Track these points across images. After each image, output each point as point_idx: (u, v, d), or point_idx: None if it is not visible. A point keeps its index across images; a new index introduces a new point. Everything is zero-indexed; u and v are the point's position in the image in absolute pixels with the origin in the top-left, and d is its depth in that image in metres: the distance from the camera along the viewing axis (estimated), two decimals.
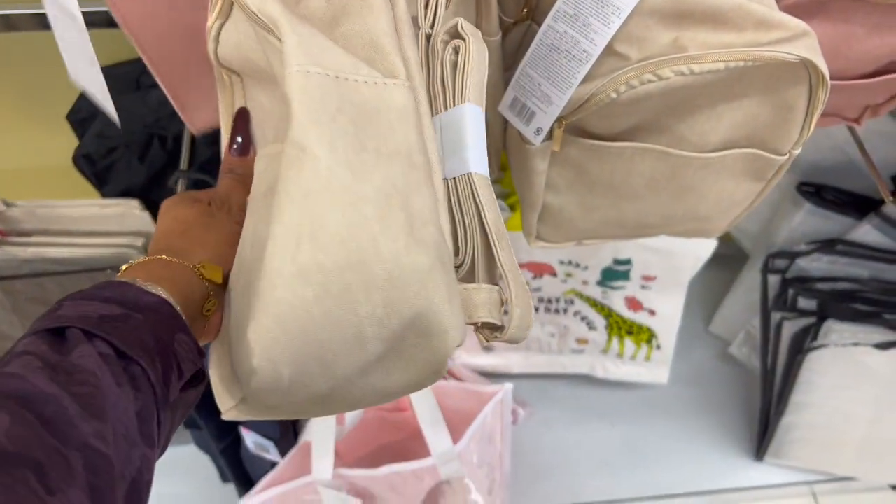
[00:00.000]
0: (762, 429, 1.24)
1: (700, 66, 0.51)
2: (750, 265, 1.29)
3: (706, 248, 1.06)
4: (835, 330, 1.04)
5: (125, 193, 0.93)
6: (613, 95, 0.53)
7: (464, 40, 0.47)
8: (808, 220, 1.13)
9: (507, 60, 0.65)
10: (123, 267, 0.45)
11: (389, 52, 0.43)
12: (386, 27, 0.44)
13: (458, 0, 0.60)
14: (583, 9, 0.52)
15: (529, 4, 0.60)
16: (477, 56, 0.47)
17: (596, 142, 0.59)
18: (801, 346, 1.08)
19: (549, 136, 0.59)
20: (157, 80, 0.59)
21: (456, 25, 0.48)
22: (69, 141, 0.96)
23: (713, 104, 0.56)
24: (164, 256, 0.46)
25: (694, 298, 1.31)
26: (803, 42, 0.52)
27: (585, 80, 0.54)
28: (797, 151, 0.60)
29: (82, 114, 0.92)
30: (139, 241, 0.93)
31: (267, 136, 0.50)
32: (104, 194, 0.95)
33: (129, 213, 0.92)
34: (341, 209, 0.38)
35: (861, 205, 1.10)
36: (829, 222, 1.12)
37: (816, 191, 1.13)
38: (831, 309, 1.05)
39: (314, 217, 0.38)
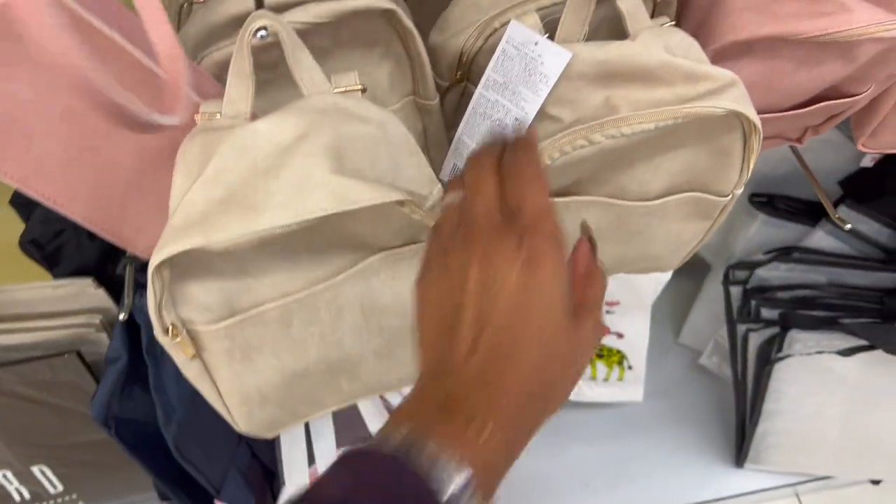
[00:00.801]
0: (739, 437, 1.25)
1: (630, 129, 0.51)
2: (712, 276, 1.30)
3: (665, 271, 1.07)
4: (798, 339, 1.06)
5: (78, 272, 0.91)
6: (548, 162, 0.53)
7: None
8: (764, 230, 1.15)
9: (448, 119, 0.65)
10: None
11: None
12: None
13: (393, 69, 0.60)
14: (512, 77, 0.53)
15: (462, 67, 0.60)
16: None
17: None
18: (768, 356, 1.09)
19: None
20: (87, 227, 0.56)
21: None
22: (16, 224, 0.94)
23: (650, 157, 0.57)
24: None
25: (661, 311, 1.32)
26: (731, 93, 0.53)
27: None
28: (739, 191, 0.61)
29: (26, 198, 0.91)
30: (96, 319, 0.91)
31: None
32: (55, 275, 0.93)
33: (83, 291, 0.91)
34: None
35: (813, 211, 1.12)
36: (784, 231, 1.14)
37: (769, 201, 1.14)
38: (792, 318, 1.06)
39: None
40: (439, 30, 0.61)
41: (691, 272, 1.36)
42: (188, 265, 0.46)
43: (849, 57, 0.59)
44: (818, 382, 1.09)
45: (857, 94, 0.67)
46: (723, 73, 0.53)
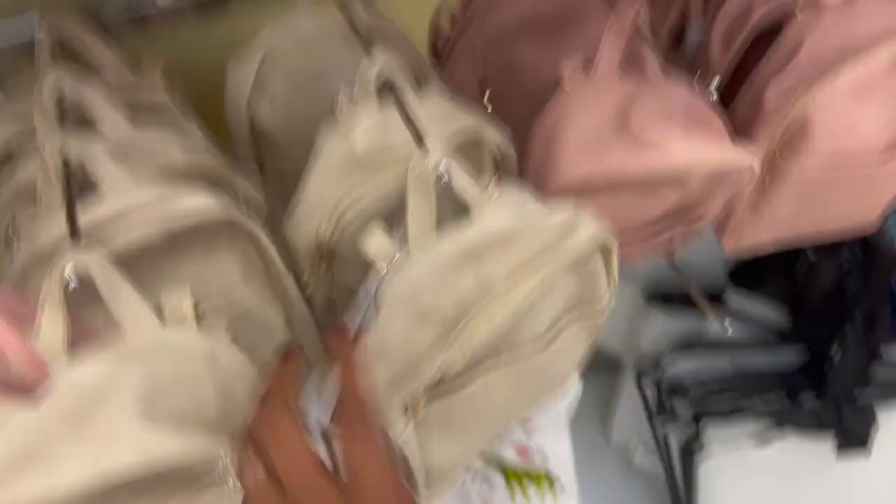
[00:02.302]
0: None
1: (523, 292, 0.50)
2: (627, 374, 1.30)
3: (573, 386, 1.05)
4: (716, 436, 1.05)
5: None
6: (462, 360, 0.51)
7: None
8: (665, 323, 1.15)
9: (321, 314, 0.64)
10: None
11: None
12: None
13: (241, 260, 0.58)
14: None
15: (324, 259, 0.59)
16: None
17: (451, 397, 0.56)
18: (692, 454, 1.08)
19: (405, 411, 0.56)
20: None
21: None
22: None
23: (530, 307, 0.56)
24: None
25: (585, 415, 1.29)
26: (584, 217, 0.54)
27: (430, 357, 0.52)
28: (613, 292, 0.61)
29: None
30: None
31: None
32: None
33: None
34: None
35: (708, 298, 1.13)
36: (684, 320, 1.15)
37: (663, 296, 1.16)
38: (704, 414, 1.06)
39: None
40: (292, 228, 0.59)
41: (605, 372, 1.34)
42: None
43: (679, 187, 0.61)
44: (743, 477, 1.08)
45: (701, 214, 0.68)
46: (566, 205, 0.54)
